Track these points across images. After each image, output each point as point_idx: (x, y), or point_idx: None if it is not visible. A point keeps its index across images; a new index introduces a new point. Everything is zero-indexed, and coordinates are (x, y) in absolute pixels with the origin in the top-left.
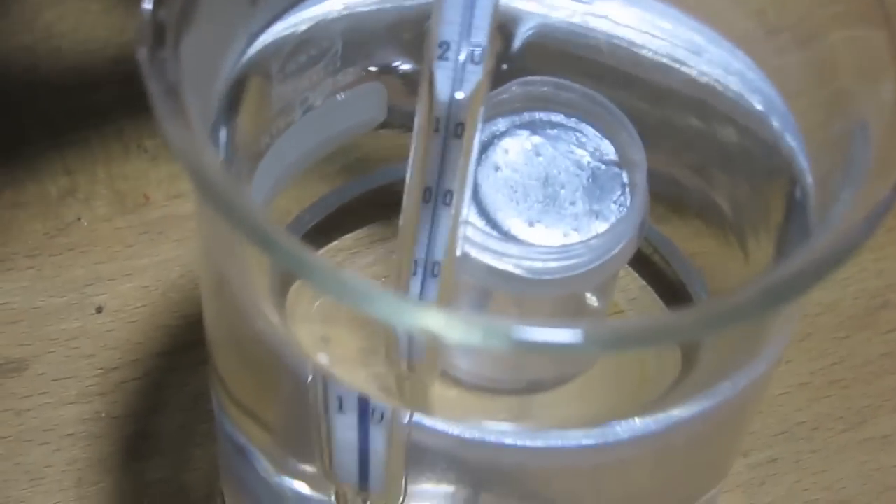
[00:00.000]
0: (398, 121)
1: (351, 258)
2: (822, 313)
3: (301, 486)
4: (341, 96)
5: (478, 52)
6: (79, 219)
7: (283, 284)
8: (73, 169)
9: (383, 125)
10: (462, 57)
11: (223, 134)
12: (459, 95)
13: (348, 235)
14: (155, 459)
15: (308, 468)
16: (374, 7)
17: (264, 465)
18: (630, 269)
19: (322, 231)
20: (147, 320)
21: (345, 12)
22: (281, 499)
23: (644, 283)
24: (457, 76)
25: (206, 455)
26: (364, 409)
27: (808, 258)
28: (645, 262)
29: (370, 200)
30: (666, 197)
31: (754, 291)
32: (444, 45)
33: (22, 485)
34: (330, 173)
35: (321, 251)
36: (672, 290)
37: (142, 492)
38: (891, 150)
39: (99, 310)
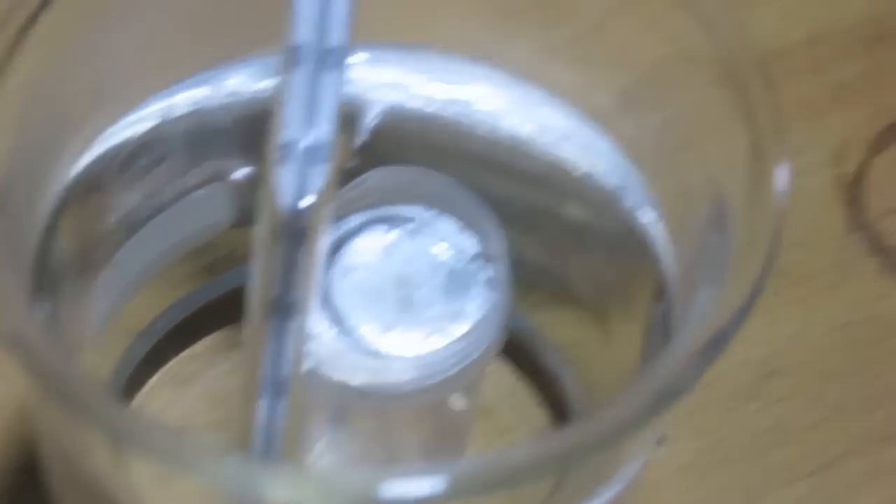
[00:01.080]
0: (247, 219)
1: (207, 366)
2: (708, 386)
3: None
4: (187, 199)
5: (323, 150)
6: None
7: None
8: None
9: (236, 224)
10: (303, 158)
11: (48, 260)
12: (306, 201)
13: (204, 340)
14: None
15: None
16: (219, 103)
17: None
18: (500, 362)
19: (177, 337)
20: None
21: (186, 111)
22: None
23: (515, 376)
24: (300, 180)
25: None
26: None
27: (650, 387)
28: (514, 353)
29: (227, 301)
30: (530, 286)
31: (615, 418)
32: (286, 146)
33: None
34: (184, 276)
35: (175, 360)
36: (545, 380)
37: None
38: (748, 247)
39: None
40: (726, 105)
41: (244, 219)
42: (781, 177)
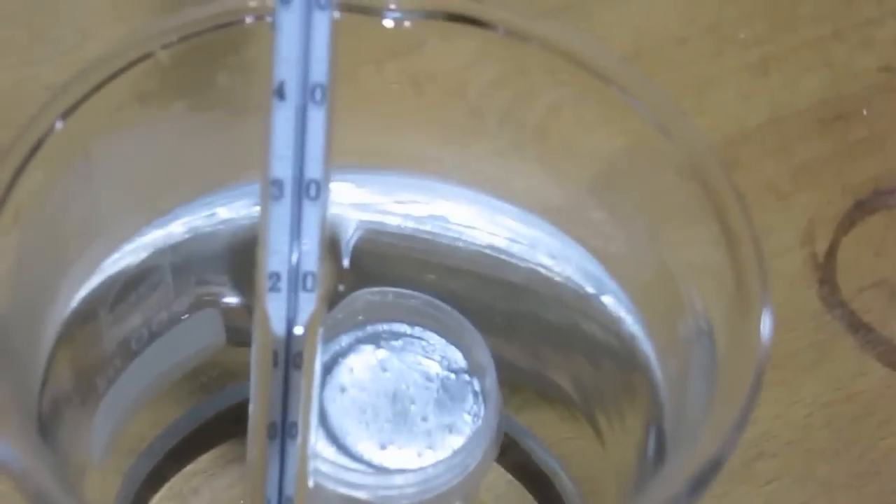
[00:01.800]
0: (239, 338)
1: (208, 481)
2: None
3: None
4: (179, 325)
5: (309, 279)
6: None
7: None
8: None
9: (229, 343)
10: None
11: (52, 392)
12: (297, 330)
13: (204, 456)
14: None
15: None
16: (204, 232)
17: None
18: (495, 463)
19: (178, 454)
20: None
21: (173, 242)
22: None
23: (510, 477)
24: (290, 307)
25: None
26: None
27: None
28: (508, 455)
29: (223, 419)
30: (518, 387)
31: None
32: (274, 277)
33: None
34: (181, 397)
35: (177, 476)
36: (539, 481)
37: None
38: (731, 374)
39: None
40: (692, 195)
41: (234, 339)
42: (765, 324)
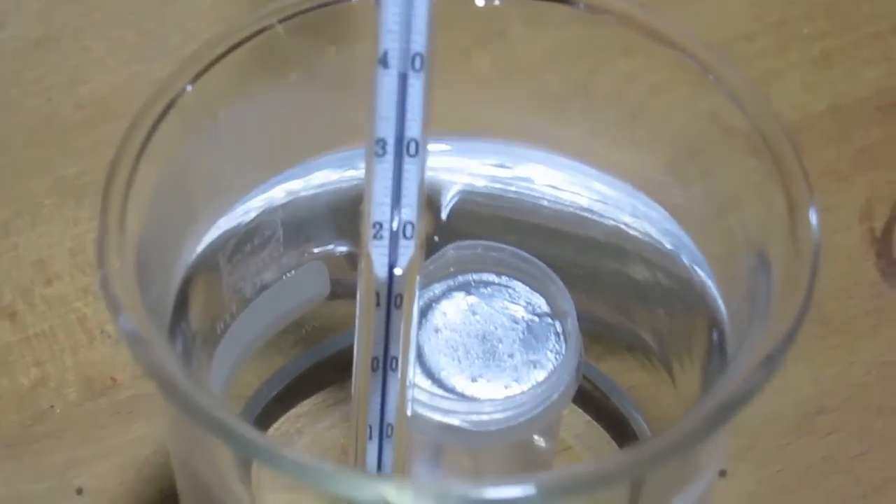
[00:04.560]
0: (343, 292)
1: (311, 423)
2: (763, 424)
3: None
4: (287, 277)
5: (409, 228)
6: (52, 406)
7: (247, 458)
8: (42, 360)
9: (330, 297)
10: (394, 234)
11: (181, 329)
12: (397, 272)
13: (306, 401)
14: None
15: None
16: (310, 193)
17: None
18: (574, 406)
19: (282, 399)
20: (126, 497)
21: (283, 201)
22: None
23: (589, 418)
24: (392, 252)
25: None
26: None
27: (713, 403)
28: (587, 399)
29: (324, 367)
30: (599, 337)
31: (672, 437)
32: (377, 226)
33: None
34: (285, 346)
35: (282, 418)
36: (615, 422)
37: None
38: (789, 282)
39: (79, 491)
40: (762, 170)
41: (337, 293)
42: (812, 219)
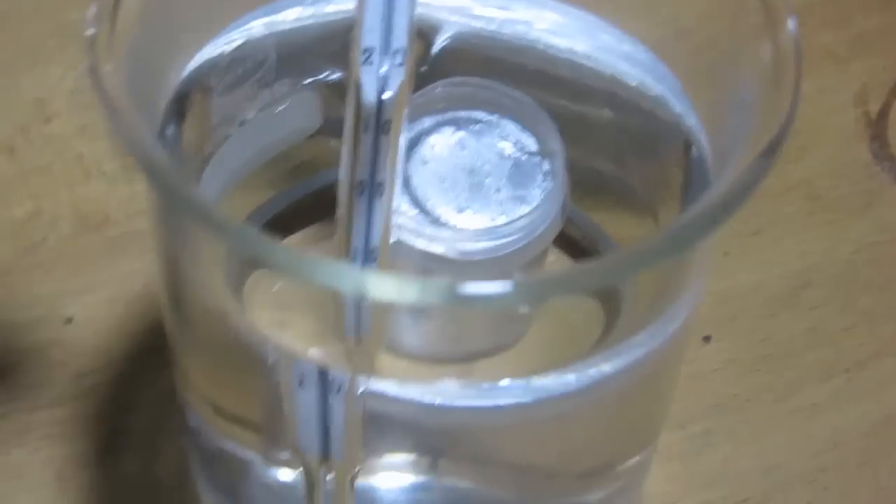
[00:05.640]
0: (333, 127)
1: None
2: (749, 294)
3: (270, 470)
4: (278, 107)
5: (399, 55)
6: (45, 238)
7: (238, 277)
8: (38, 193)
9: (319, 132)
10: (384, 60)
11: (169, 145)
12: (385, 95)
13: (293, 236)
14: (128, 454)
15: (272, 451)
16: (302, 22)
17: (230, 454)
18: (561, 253)
19: (268, 233)
20: (114, 328)
21: (275, 28)
22: (249, 484)
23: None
24: (381, 78)
25: (176, 448)
26: (323, 382)
27: (712, 198)
28: (575, 247)
29: (311, 202)
30: (589, 186)
31: (668, 233)
32: (368, 51)
33: (5, 482)
34: (272, 179)
35: None
36: None
37: (117, 484)
38: (772, 106)
39: (69, 321)
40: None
41: (325, 128)
42: (791, 25)
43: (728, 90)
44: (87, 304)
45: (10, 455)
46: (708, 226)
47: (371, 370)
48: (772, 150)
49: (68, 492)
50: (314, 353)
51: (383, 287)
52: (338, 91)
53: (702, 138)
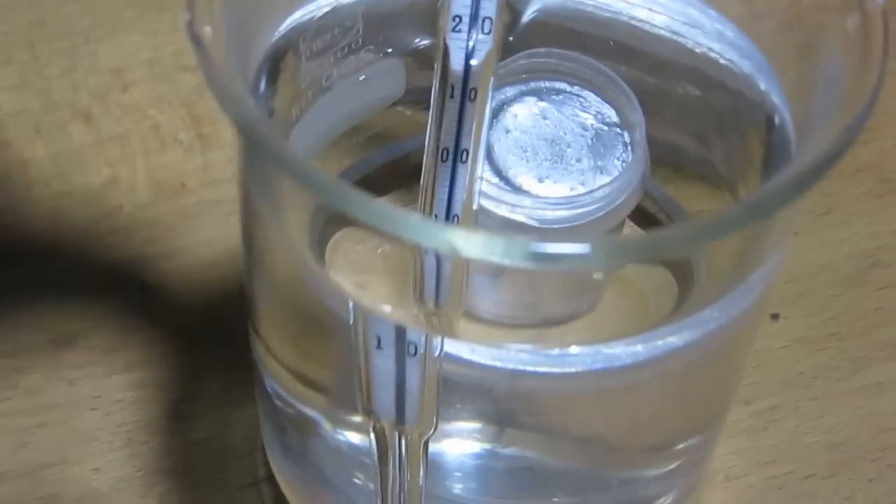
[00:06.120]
0: (415, 97)
1: None
2: (818, 273)
3: (343, 434)
4: (363, 74)
5: (487, 24)
6: (120, 206)
7: (321, 239)
8: (114, 161)
9: (401, 102)
10: (473, 29)
11: (261, 105)
12: (473, 62)
13: None
14: (198, 421)
15: (346, 415)
16: None
17: (305, 419)
18: (637, 228)
19: None
20: (187, 296)
21: None
22: (322, 449)
23: None
24: (469, 46)
25: (246, 416)
26: (400, 343)
27: (795, 167)
28: (650, 221)
29: (390, 171)
30: (668, 161)
31: (751, 200)
32: (457, 19)
33: (77, 446)
34: (353, 146)
35: None
36: None
37: (187, 450)
38: (858, 77)
39: (143, 288)
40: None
41: (408, 97)
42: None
43: (814, 65)
44: (162, 272)
45: (82, 420)
46: (791, 193)
47: (450, 333)
48: (860, 120)
49: (139, 457)
50: (394, 313)
51: (470, 243)
52: (422, 60)
53: (786, 115)
